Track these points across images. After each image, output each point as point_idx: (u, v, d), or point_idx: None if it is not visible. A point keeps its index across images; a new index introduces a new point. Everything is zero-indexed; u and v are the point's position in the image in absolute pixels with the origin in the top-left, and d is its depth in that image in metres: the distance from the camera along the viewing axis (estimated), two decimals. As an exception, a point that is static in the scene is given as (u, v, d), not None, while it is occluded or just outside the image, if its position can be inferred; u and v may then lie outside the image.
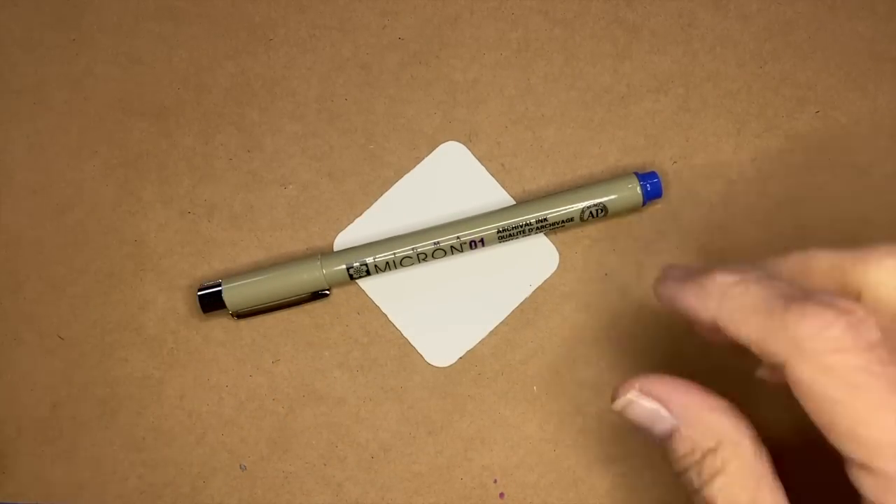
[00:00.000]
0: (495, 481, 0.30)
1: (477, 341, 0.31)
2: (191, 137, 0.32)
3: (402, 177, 0.32)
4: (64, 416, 0.31)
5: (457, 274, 0.31)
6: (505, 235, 0.30)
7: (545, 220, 0.30)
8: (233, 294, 0.30)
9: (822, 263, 0.22)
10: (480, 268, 0.31)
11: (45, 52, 0.32)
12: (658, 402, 0.23)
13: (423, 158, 0.32)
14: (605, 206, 0.30)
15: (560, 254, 0.31)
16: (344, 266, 0.30)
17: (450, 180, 0.31)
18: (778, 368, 0.20)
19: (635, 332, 0.30)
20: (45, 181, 0.32)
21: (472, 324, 0.31)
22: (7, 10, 0.33)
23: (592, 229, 0.31)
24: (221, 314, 0.30)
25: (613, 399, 0.24)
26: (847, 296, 0.21)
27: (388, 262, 0.30)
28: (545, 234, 0.31)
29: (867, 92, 0.31)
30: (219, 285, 0.30)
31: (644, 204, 0.30)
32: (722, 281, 0.21)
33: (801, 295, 0.20)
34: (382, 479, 0.30)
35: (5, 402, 0.31)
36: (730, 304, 0.21)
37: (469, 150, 0.32)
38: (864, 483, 0.19)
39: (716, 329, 0.22)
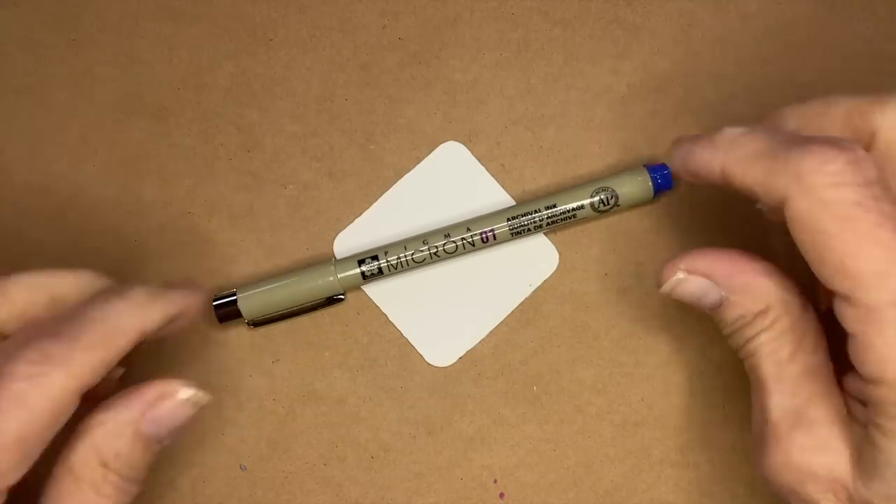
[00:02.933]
0: (495, 481, 0.30)
1: (477, 341, 0.31)
2: (191, 137, 0.32)
3: (402, 177, 0.32)
4: (64, 416, 0.31)
5: (457, 274, 0.31)
6: (517, 227, 0.29)
7: (556, 211, 0.29)
8: (248, 303, 0.30)
9: (839, 109, 0.22)
10: (480, 268, 0.31)
11: (45, 52, 0.32)
12: (704, 277, 0.23)
13: (423, 158, 0.32)
14: (616, 195, 0.29)
15: (560, 254, 0.31)
16: (358, 270, 0.30)
17: (450, 180, 0.31)
18: (779, 208, 0.21)
19: (635, 331, 0.30)
20: (45, 181, 0.32)
21: (472, 324, 0.31)
22: (7, 10, 0.33)
23: (593, 229, 0.31)
24: (236, 322, 0.30)
25: (660, 284, 0.24)
26: (860, 140, 0.21)
27: (400, 263, 0.30)
28: (548, 232, 0.31)
29: (867, 92, 0.31)
30: (233, 294, 0.30)
31: (654, 196, 0.30)
32: (730, 132, 0.22)
33: (805, 139, 0.21)
34: (382, 479, 0.30)
35: (5, 402, 0.31)
36: (736, 152, 0.22)
37: (469, 150, 0.32)
38: (846, 315, 0.20)
39: (724, 181, 0.22)
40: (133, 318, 0.23)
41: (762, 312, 0.22)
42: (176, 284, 0.25)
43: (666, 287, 0.24)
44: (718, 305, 0.23)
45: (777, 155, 0.21)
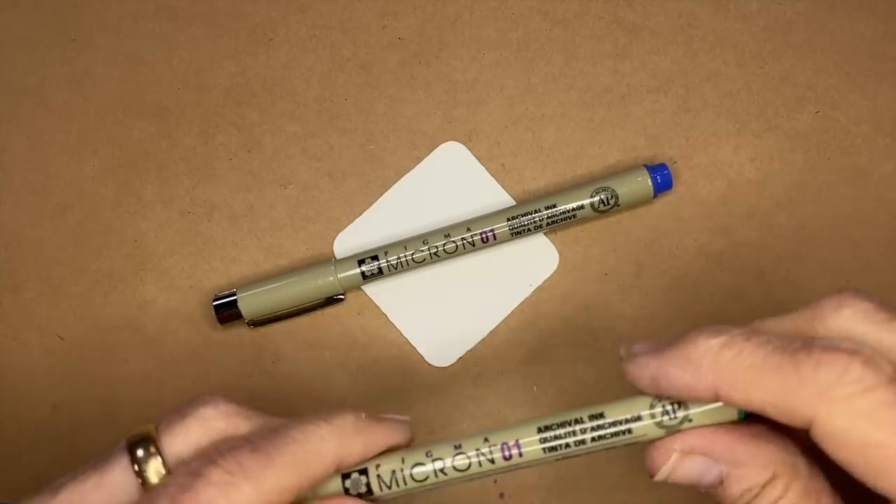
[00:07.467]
0: (495, 481, 0.30)
1: (477, 341, 0.31)
2: (191, 137, 0.32)
3: (402, 177, 0.32)
4: (64, 416, 0.31)
5: (457, 275, 0.31)
6: (517, 227, 0.29)
7: (556, 211, 0.29)
8: (248, 303, 0.30)
9: (778, 329, 0.21)
10: (480, 268, 0.31)
11: (45, 52, 0.32)
12: (703, 455, 0.22)
13: (423, 158, 0.32)
14: (616, 195, 0.29)
15: (560, 254, 0.31)
16: (358, 270, 0.29)
17: (450, 180, 0.31)
18: (799, 427, 0.19)
19: (635, 331, 0.30)
20: (45, 181, 0.32)
21: (472, 324, 0.31)
22: (7, 10, 0.33)
23: (592, 229, 0.31)
24: (236, 323, 0.30)
25: (652, 472, 0.23)
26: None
27: (400, 263, 0.30)
28: (548, 232, 0.31)
29: (867, 92, 0.31)
30: (233, 294, 0.30)
31: (654, 196, 0.30)
32: (707, 344, 0.20)
33: (800, 344, 0.19)
34: (382, 479, 0.30)
35: (5, 402, 0.31)
36: (728, 369, 0.20)
37: (469, 150, 0.32)
38: None
39: (714, 400, 0.20)
40: (334, 445, 0.21)
41: (770, 482, 0.21)
42: (384, 415, 0.23)
43: (661, 474, 0.22)
44: (720, 483, 0.22)
45: (783, 370, 0.19)
